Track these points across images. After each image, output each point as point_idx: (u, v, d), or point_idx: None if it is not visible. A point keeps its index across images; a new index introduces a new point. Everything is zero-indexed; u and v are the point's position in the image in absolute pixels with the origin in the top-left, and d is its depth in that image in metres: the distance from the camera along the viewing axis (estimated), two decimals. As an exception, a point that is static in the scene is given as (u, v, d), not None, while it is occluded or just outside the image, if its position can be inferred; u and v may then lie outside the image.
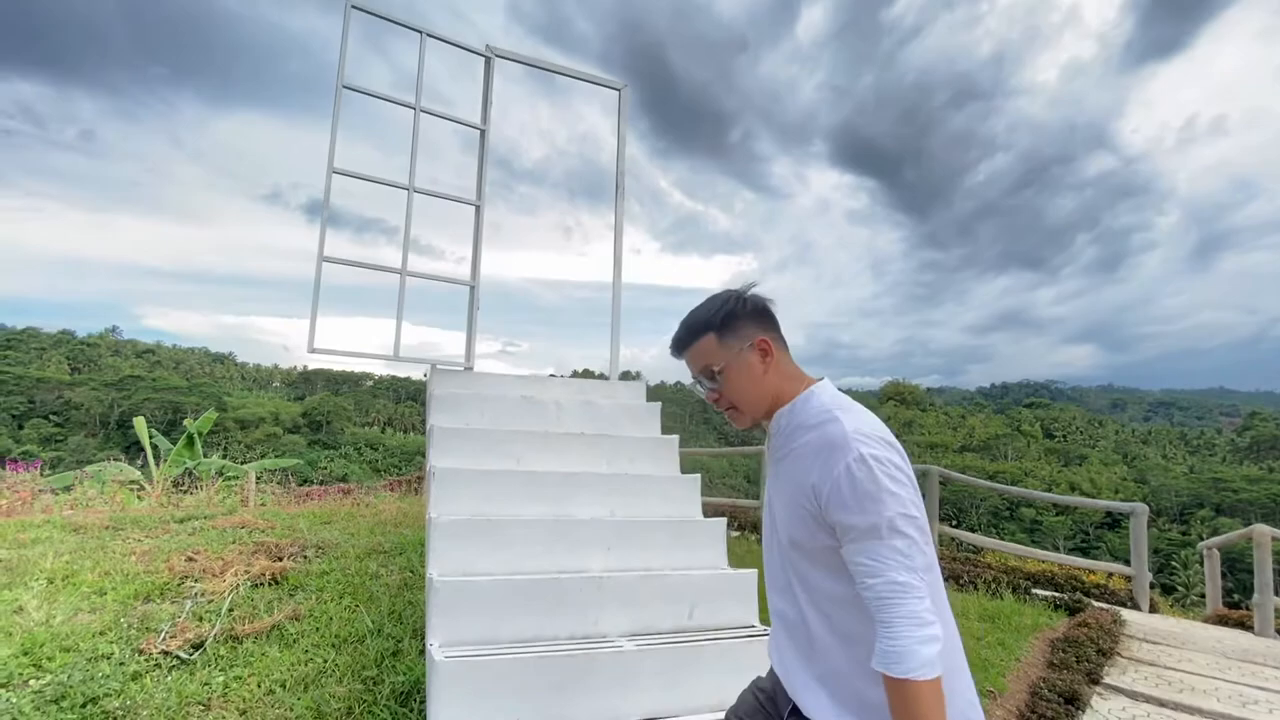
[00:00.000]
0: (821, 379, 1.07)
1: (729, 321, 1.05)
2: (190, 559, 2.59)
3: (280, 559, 2.65)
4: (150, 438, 9.06)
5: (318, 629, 2.20)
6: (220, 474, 8.52)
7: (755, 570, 2.14)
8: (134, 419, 9.58)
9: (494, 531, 2.03)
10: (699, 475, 2.50)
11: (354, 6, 2.65)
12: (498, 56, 3.01)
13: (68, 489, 7.09)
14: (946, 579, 4.00)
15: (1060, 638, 3.29)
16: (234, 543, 2.88)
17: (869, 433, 0.92)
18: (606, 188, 3.23)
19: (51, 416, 54.40)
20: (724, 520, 2.42)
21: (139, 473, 8.25)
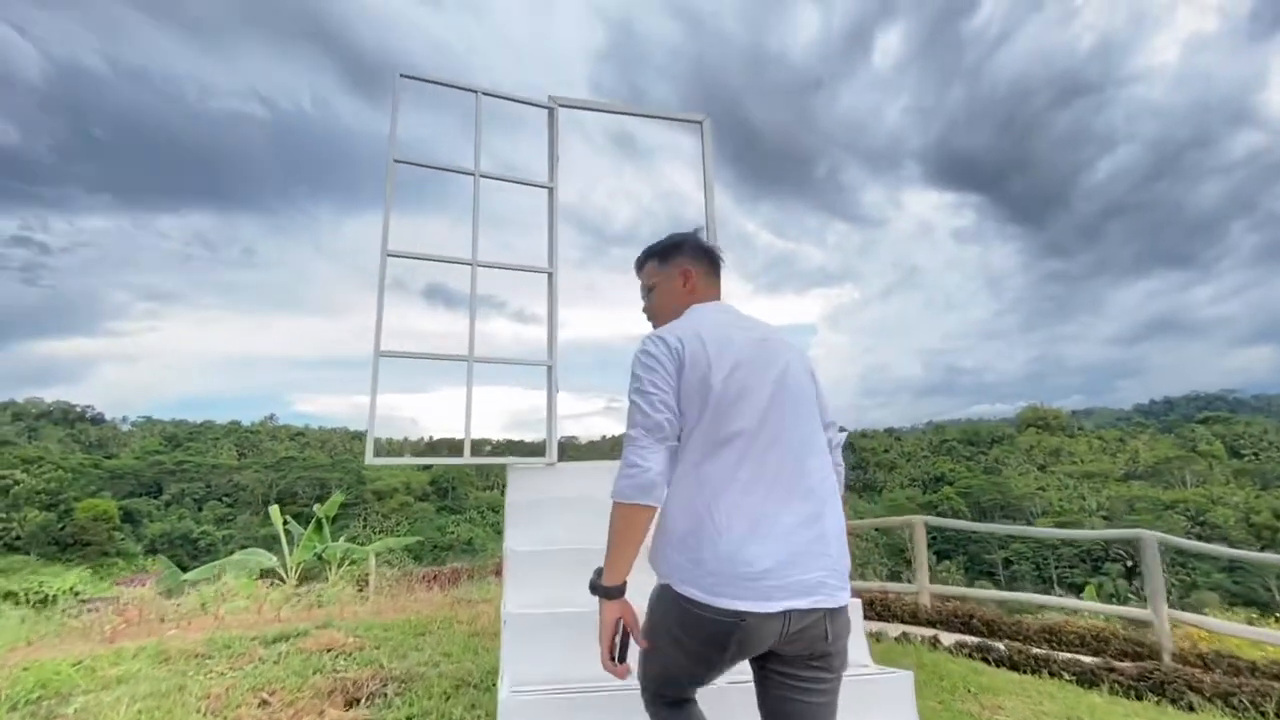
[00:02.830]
0: (714, 303, 1.33)
1: (668, 253, 1.37)
2: (264, 702, 2.30)
3: (357, 700, 2.30)
4: (285, 524, 9.47)
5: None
6: (345, 558, 8.70)
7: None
8: (269, 508, 10.08)
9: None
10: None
11: (403, 75, 2.44)
12: (562, 106, 2.71)
13: (218, 576, 7.46)
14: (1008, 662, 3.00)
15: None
16: (316, 673, 2.60)
17: (660, 333, 1.21)
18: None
19: (224, 498, 60.64)
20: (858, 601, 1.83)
21: (274, 560, 8.59)
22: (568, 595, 1.75)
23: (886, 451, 69.63)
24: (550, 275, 2.53)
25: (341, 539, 10.14)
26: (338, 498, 9.61)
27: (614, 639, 1.15)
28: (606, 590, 1.14)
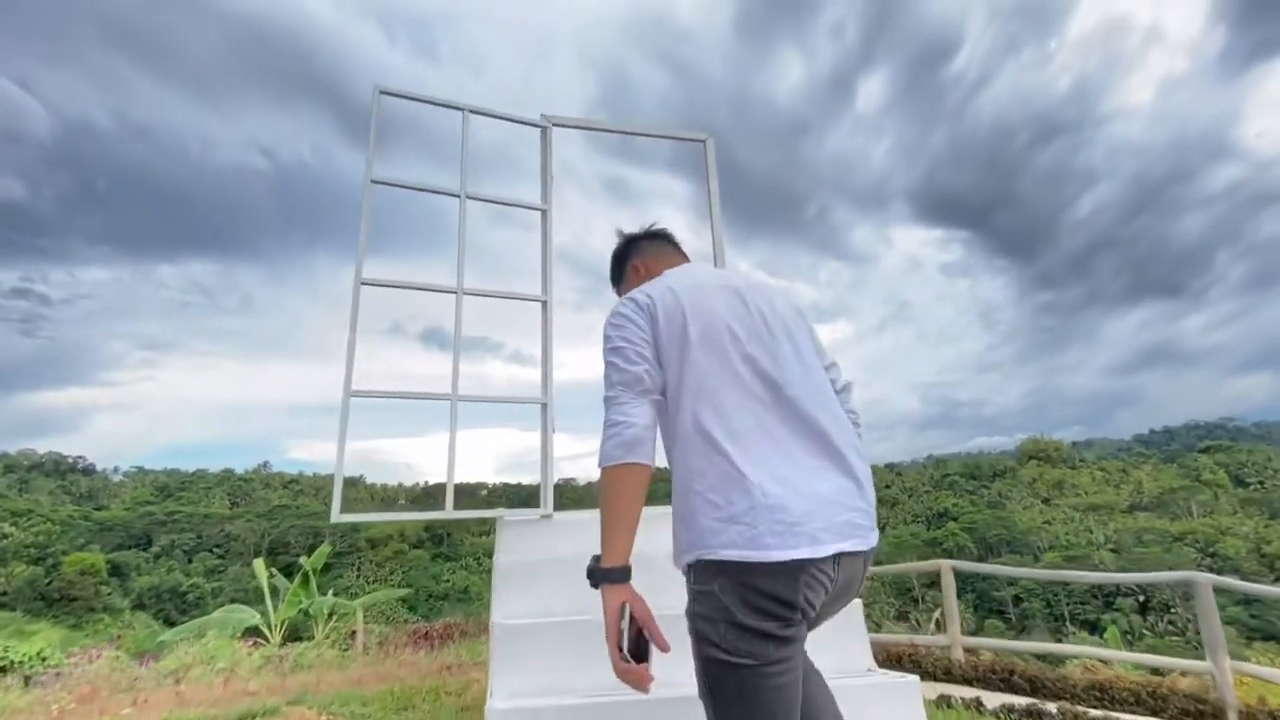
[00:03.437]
0: (677, 266, 1.27)
1: (619, 268, 1.39)
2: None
3: (323, 799, 1.97)
4: (270, 578, 9.05)
5: None
6: (332, 613, 8.26)
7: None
8: (255, 561, 9.66)
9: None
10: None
11: (383, 92, 2.24)
12: (556, 125, 2.52)
13: (199, 635, 7.02)
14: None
15: None
16: (281, 761, 2.27)
17: (629, 294, 1.15)
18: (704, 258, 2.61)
19: (215, 549, 59.22)
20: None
21: (257, 618, 8.16)
22: (566, 680, 1.45)
23: (888, 487, 68.80)
24: (544, 304, 2.30)
25: (330, 593, 9.70)
26: (325, 549, 9.22)
27: (620, 628, 0.95)
28: (606, 573, 0.98)
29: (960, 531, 51.17)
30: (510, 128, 2.51)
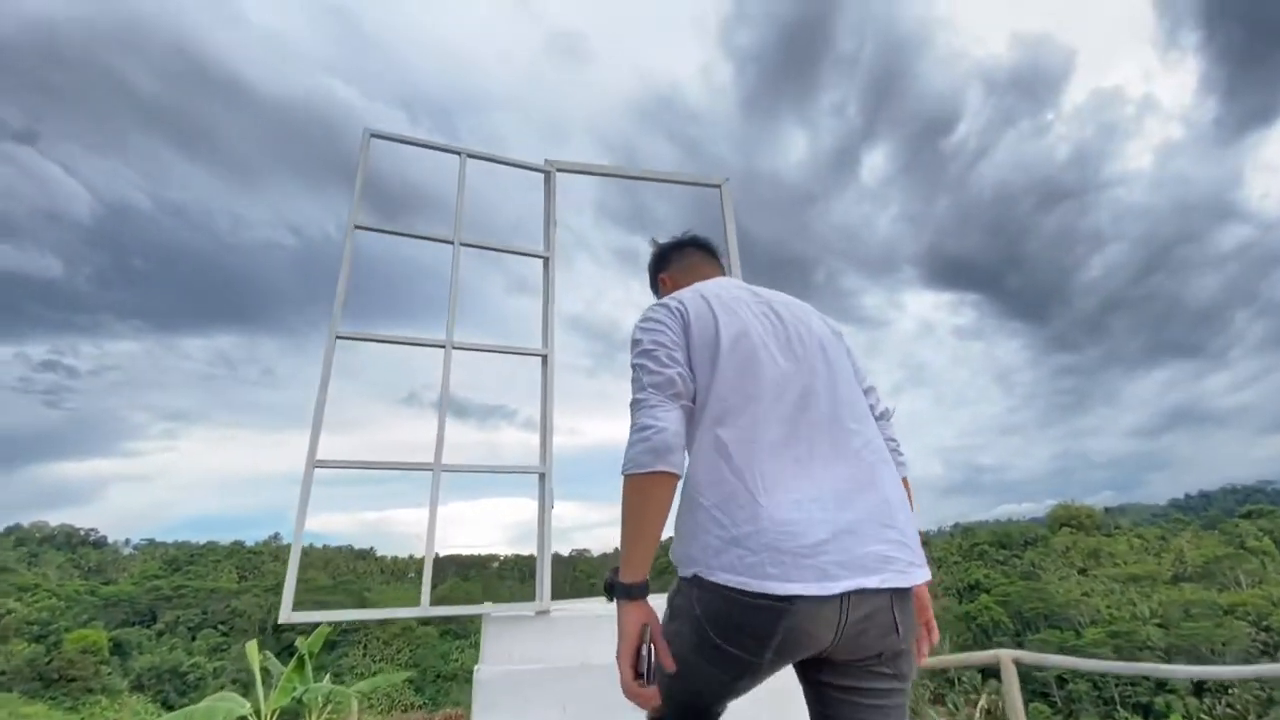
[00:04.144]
0: (709, 279, 1.22)
1: (654, 283, 1.36)
2: None
3: None
4: (263, 661, 8.54)
5: None
6: (327, 701, 7.71)
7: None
8: (248, 643, 9.18)
9: None
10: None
11: (374, 135, 2.09)
12: (560, 171, 2.35)
13: None
14: None
15: None
16: None
17: (660, 301, 1.12)
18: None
19: (219, 626, 57.71)
20: None
21: (247, 707, 7.63)
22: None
23: (915, 558, 66.24)
24: (544, 359, 2.05)
25: (329, 676, 9.14)
26: (324, 630, 8.72)
27: (639, 651, 0.89)
28: (627, 589, 0.91)
29: (994, 605, 48.66)
30: (516, 178, 2.35)
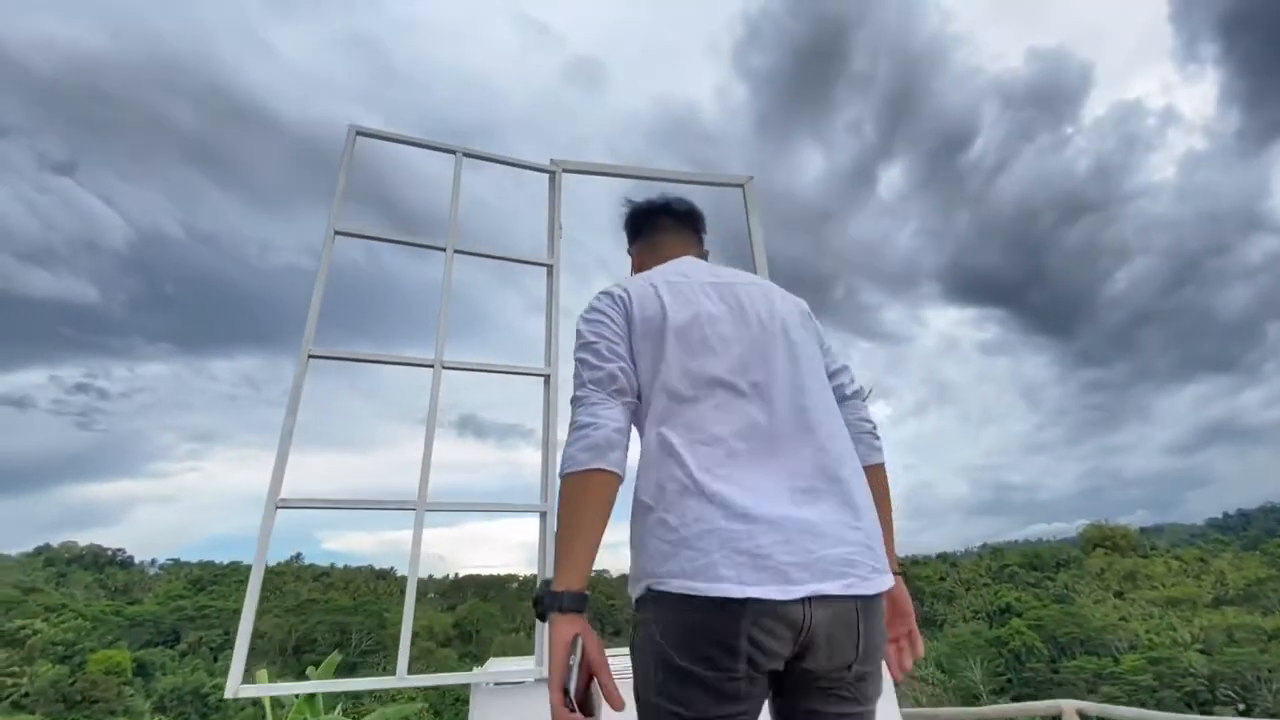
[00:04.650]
0: (672, 260, 1.11)
1: (630, 248, 1.26)
2: None
3: None
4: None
5: None
6: (338, 734, 7.46)
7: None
8: (258, 673, 8.98)
9: None
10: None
11: (360, 133, 1.89)
12: (567, 171, 2.13)
13: None
14: None
15: None
16: None
17: (606, 288, 1.03)
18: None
19: (240, 647, 57.81)
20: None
21: None
22: None
23: (943, 580, 64.67)
24: (547, 379, 1.81)
25: (338, 709, 8.89)
26: (334, 659, 8.48)
27: (569, 664, 0.75)
28: (557, 598, 0.79)
29: (1026, 629, 47.02)
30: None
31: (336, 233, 1.76)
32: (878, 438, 1.03)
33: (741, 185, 2.27)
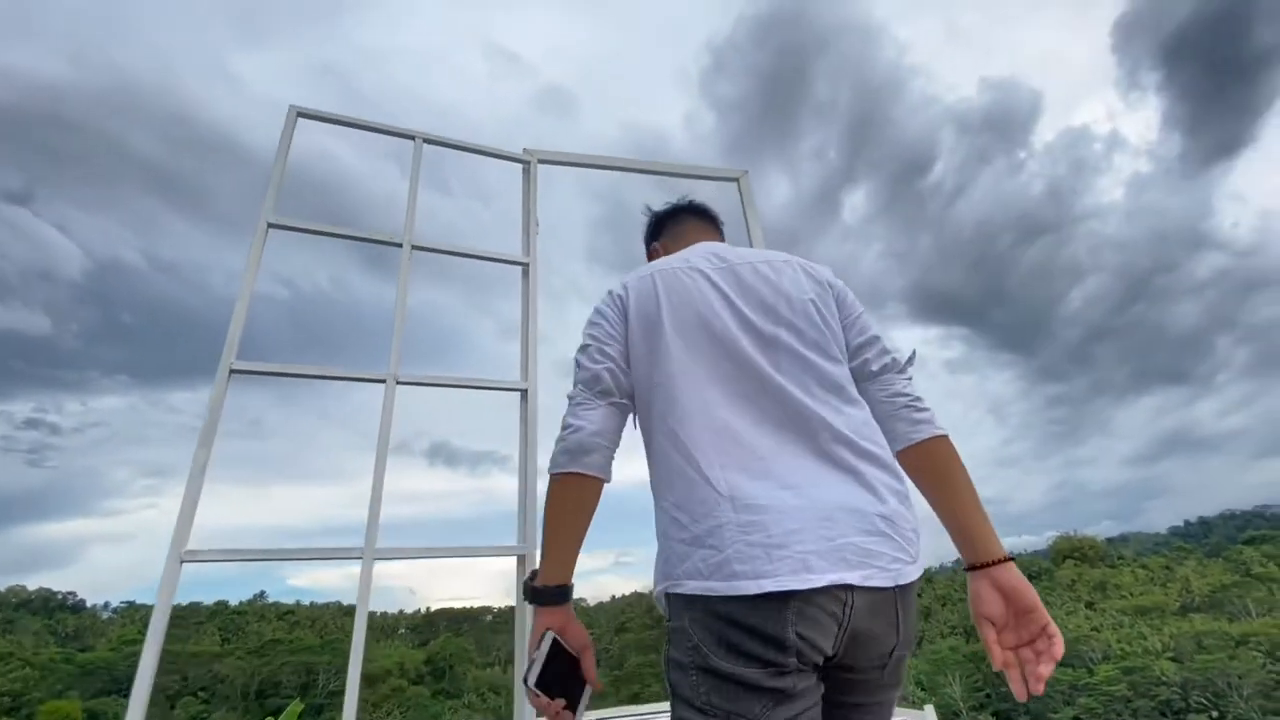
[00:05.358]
0: (697, 244, 1.09)
1: (648, 250, 1.24)
2: None
3: None
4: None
5: None
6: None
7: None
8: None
9: None
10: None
11: (301, 114, 1.63)
12: (542, 161, 1.90)
13: None
14: None
15: None
16: None
17: (612, 287, 1.01)
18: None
19: (200, 693, 55.03)
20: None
21: None
22: None
23: (920, 596, 64.89)
24: (524, 394, 1.55)
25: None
26: (295, 708, 7.95)
27: (533, 656, 0.81)
28: (536, 593, 0.84)
29: (1004, 644, 47.14)
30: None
31: (270, 225, 1.49)
32: (921, 410, 0.91)
33: (736, 179, 2.07)
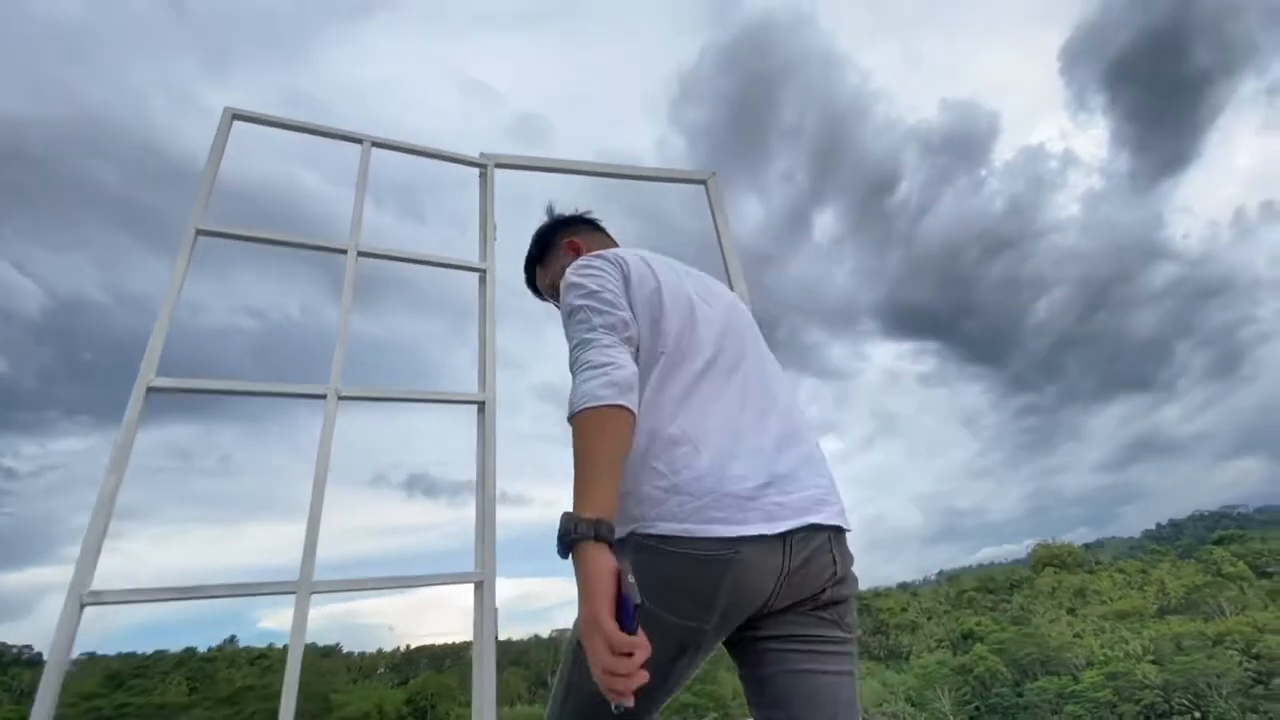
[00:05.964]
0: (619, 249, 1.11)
1: (545, 248, 1.25)
2: None
3: None
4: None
5: None
6: None
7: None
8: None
9: None
10: None
11: (236, 116, 1.52)
12: (499, 166, 1.81)
13: None
14: None
15: None
16: None
17: (599, 253, 1.03)
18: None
19: (166, 750, 52.41)
20: None
21: None
22: None
23: (904, 610, 64.94)
24: (481, 405, 1.44)
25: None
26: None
27: (625, 592, 0.68)
28: (594, 526, 0.72)
29: (990, 654, 47.24)
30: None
31: (199, 231, 1.38)
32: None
33: (704, 181, 2.01)
